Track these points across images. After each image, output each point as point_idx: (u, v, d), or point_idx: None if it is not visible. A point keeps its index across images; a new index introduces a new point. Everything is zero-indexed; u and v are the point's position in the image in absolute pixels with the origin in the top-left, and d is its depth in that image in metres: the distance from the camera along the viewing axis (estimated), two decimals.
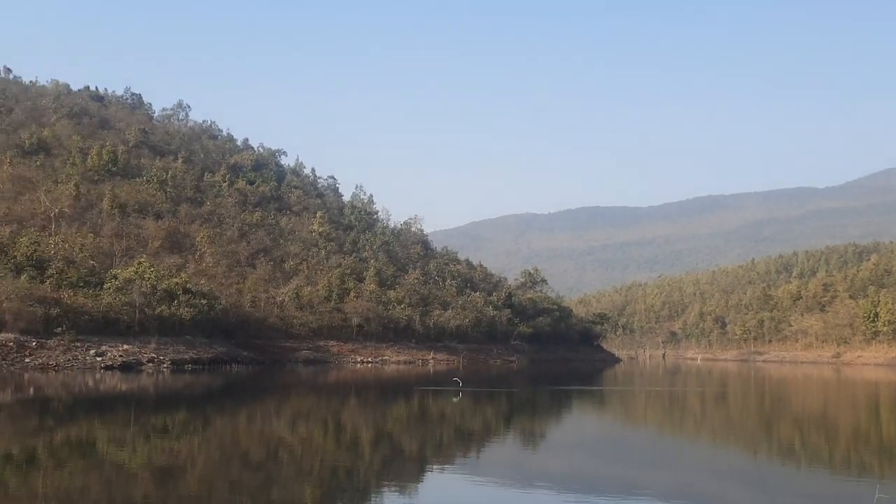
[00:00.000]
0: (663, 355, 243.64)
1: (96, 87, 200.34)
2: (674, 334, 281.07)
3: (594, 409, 49.29)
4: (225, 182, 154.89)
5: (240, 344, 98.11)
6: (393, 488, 20.23)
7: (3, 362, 67.39)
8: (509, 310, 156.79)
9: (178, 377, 67.43)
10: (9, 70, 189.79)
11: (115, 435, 29.70)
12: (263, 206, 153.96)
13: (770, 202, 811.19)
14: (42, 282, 79.33)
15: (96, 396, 48.13)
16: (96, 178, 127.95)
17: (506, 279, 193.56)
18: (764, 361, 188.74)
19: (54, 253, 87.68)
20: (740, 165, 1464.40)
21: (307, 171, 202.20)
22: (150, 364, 76.61)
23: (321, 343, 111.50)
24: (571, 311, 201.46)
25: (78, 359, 72.45)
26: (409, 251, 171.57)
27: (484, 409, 46.09)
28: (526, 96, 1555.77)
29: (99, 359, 73.51)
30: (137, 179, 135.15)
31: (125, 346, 78.06)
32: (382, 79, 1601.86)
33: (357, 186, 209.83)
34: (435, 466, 24.83)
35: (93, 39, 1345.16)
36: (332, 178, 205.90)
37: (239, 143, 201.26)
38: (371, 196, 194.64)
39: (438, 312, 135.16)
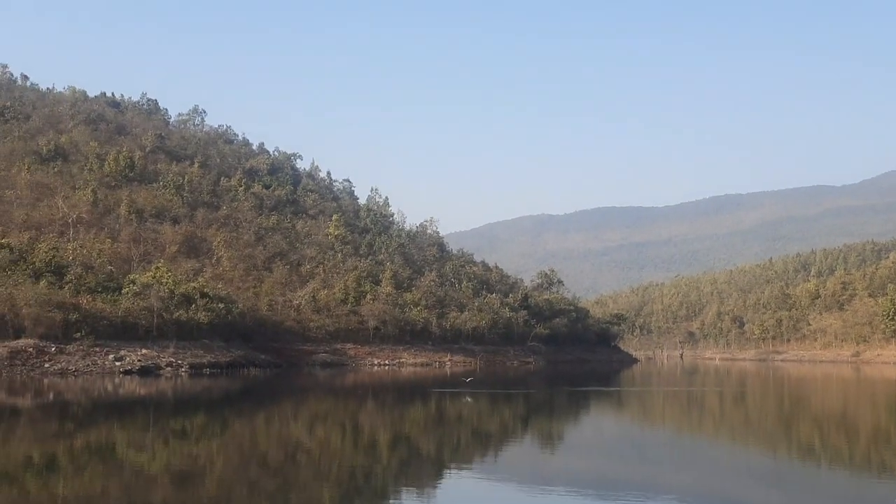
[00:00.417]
0: (681, 355, 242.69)
1: (113, 94, 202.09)
2: (691, 334, 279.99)
3: (612, 409, 49.15)
4: (241, 186, 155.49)
5: (257, 347, 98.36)
6: (411, 491, 20.25)
7: (23, 368, 67.85)
8: (526, 311, 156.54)
9: (196, 381, 67.68)
10: (26, 77, 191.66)
11: (135, 439, 29.85)
12: (279, 210, 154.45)
13: (787, 201, 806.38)
14: (61, 287, 79.77)
15: (115, 401, 48.39)
16: (113, 184, 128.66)
17: (522, 280, 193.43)
18: (782, 361, 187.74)
19: (73, 259, 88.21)
20: (756, 164, 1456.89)
21: (323, 174, 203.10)
22: (169, 368, 76.94)
23: (338, 346, 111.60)
24: (588, 311, 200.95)
25: (97, 364, 72.85)
26: (424, 253, 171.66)
27: (501, 410, 46.04)
28: (540, 97, 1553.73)
29: (118, 363, 73.89)
30: (154, 185, 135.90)
31: (143, 351, 78.43)
32: (398, 81, 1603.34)
33: (373, 189, 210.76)
34: (453, 468, 24.82)
35: (108, 46, 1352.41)
36: (348, 181, 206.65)
37: (255, 147, 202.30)
38: (387, 198, 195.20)
39: (455, 314, 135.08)
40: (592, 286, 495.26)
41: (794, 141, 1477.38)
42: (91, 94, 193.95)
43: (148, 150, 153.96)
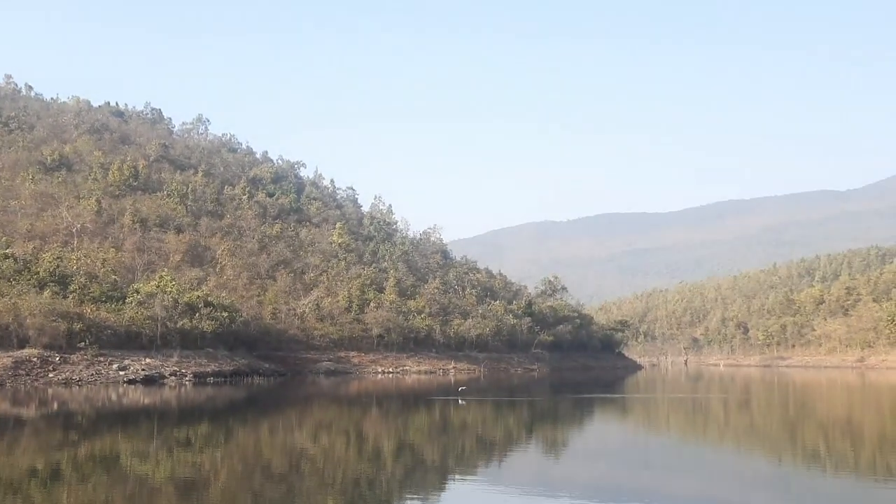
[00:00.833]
0: (685, 362, 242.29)
1: (117, 103, 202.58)
2: (696, 340, 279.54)
3: (617, 416, 49.07)
4: (245, 195, 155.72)
5: (261, 356, 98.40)
6: (415, 499, 20.23)
7: (27, 378, 67.87)
8: (530, 318, 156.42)
9: (200, 390, 67.67)
10: (30, 87, 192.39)
11: (139, 448, 29.84)
12: (283, 219, 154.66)
13: (791, 206, 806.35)
14: (65, 297, 79.87)
15: (119, 410, 48.39)
16: (117, 193, 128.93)
17: (526, 287, 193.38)
18: (787, 367, 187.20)
19: (77, 268, 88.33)
20: (760, 169, 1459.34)
21: (326, 182, 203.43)
22: (173, 377, 76.94)
23: (342, 354, 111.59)
24: (592, 318, 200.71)
25: (101, 373, 72.85)
26: (428, 261, 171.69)
27: (506, 417, 45.99)
28: (543, 104, 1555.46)
29: (122, 373, 73.90)
30: (158, 194, 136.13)
31: (147, 360, 78.47)
32: (400, 89, 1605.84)
33: (376, 197, 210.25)
34: (457, 476, 24.78)
35: (113, 55, 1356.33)
36: (352, 188, 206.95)
37: (258, 155, 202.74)
38: (390, 206, 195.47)
39: (459, 322, 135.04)
40: (596, 293, 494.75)
41: (797, 146, 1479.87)
42: (95, 103, 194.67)
43: (152, 159, 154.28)
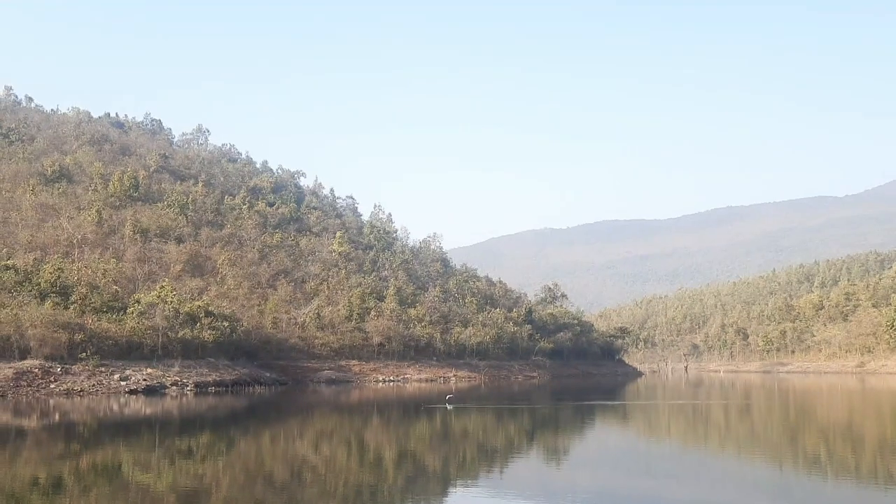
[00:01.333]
0: (686, 368, 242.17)
1: (116, 114, 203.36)
2: (696, 347, 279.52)
3: (618, 423, 49.12)
4: (245, 204, 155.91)
5: (262, 365, 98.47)
6: None
7: (29, 389, 67.88)
8: (530, 325, 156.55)
9: (201, 400, 67.72)
10: (30, 98, 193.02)
11: (141, 458, 29.92)
12: (283, 228, 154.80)
13: (789, 212, 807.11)
14: (66, 308, 79.95)
15: (121, 421, 48.45)
16: (118, 204, 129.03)
17: (525, 295, 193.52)
18: (787, 372, 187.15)
19: (78, 279, 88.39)
20: (758, 175, 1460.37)
21: (326, 191, 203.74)
22: (174, 387, 76.95)
23: (343, 363, 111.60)
24: (592, 325, 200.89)
25: (102, 384, 72.87)
26: (428, 269, 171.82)
27: (507, 425, 46.05)
28: (541, 111, 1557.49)
29: (123, 383, 73.92)
30: (159, 204, 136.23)
31: (149, 370, 78.49)
32: (399, 96, 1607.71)
33: (376, 206, 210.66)
34: (459, 484, 24.87)
35: (113, 66, 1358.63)
36: (351, 197, 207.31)
37: (258, 165, 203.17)
38: (390, 215, 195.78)
39: (459, 330, 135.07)
40: (596, 299, 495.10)
41: (795, 151, 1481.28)
42: (95, 114, 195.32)
43: (152, 169, 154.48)
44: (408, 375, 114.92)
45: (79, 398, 65.79)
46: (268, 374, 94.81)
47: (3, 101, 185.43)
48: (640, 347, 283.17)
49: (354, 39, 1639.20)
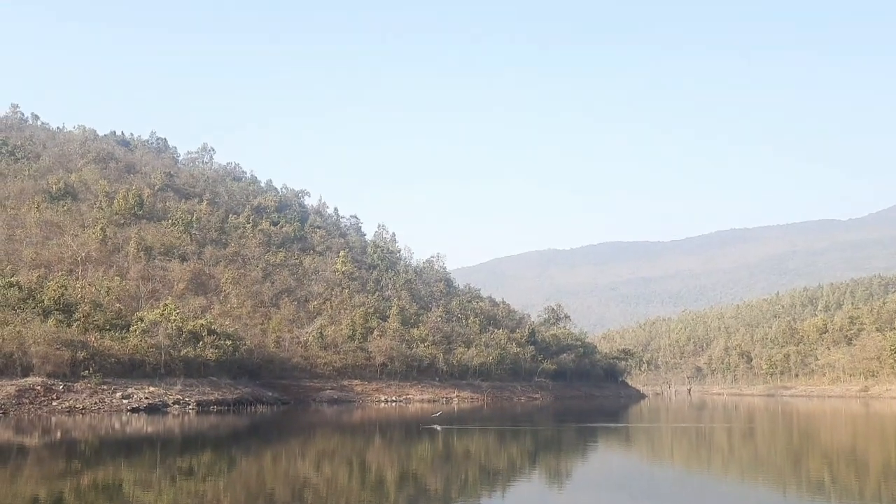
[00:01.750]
0: (689, 391, 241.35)
1: (122, 132, 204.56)
2: (699, 369, 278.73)
3: (620, 446, 48.95)
4: (249, 223, 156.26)
5: (264, 384, 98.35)
6: None
7: (31, 406, 67.83)
8: (533, 346, 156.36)
9: (203, 418, 67.61)
10: (36, 116, 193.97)
11: (141, 477, 29.86)
12: (287, 247, 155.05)
13: (793, 235, 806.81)
14: (69, 325, 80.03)
15: (122, 439, 48.38)
16: (122, 222, 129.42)
17: (529, 316, 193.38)
18: (791, 396, 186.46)
19: (81, 296, 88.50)
20: (763, 198, 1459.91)
21: (330, 210, 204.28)
22: (176, 406, 76.86)
23: (345, 382, 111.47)
24: (595, 347, 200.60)
25: (104, 401, 72.83)
26: (431, 289, 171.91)
27: (509, 446, 45.92)
28: (546, 130, 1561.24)
29: (125, 401, 73.86)
30: (163, 222, 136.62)
31: (151, 388, 78.44)
32: (404, 117, 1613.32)
33: (379, 225, 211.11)
34: None
35: (119, 84, 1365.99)
36: (355, 217, 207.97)
37: (262, 184, 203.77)
38: (393, 234, 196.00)
39: (462, 350, 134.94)
40: (599, 321, 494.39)
41: (800, 175, 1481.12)
42: (101, 132, 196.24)
43: (157, 188, 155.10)
44: (410, 396, 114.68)
45: (80, 416, 65.73)
46: (270, 394, 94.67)
47: (9, 119, 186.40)
48: (643, 369, 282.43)
49: (358, 60, 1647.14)
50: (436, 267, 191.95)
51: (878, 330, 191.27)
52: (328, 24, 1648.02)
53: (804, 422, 76.69)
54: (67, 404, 69.77)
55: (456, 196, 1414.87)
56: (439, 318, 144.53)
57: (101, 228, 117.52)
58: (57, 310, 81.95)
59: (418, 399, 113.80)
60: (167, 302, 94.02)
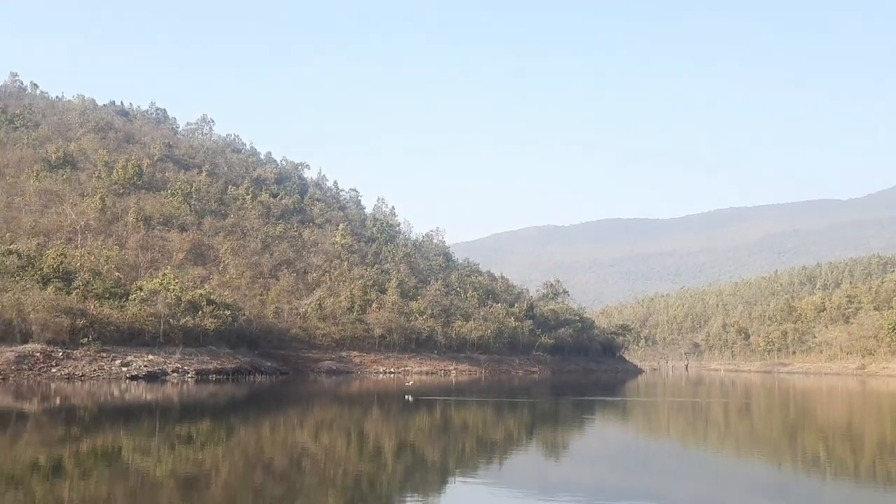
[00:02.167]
0: (686, 367, 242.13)
1: (122, 102, 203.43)
2: (696, 346, 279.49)
3: (617, 419, 49.15)
4: (248, 195, 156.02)
5: (263, 354, 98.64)
6: (415, 498, 20.32)
7: (30, 372, 68.08)
8: (531, 321, 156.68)
9: (202, 387, 67.86)
10: (35, 85, 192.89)
11: (141, 444, 29.98)
12: (286, 219, 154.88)
13: (793, 214, 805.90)
14: (68, 293, 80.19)
15: (122, 406, 48.56)
16: (122, 192, 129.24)
17: (527, 291, 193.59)
18: (788, 373, 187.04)
19: (80, 265, 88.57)
20: (762, 177, 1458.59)
21: (329, 183, 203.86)
22: (175, 374, 77.12)
23: (344, 354, 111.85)
24: (593, 322, 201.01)
25: (104, 369, 73.09)
26: (430, 263, 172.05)
27: (506, 419, 46.09)
28: (547, 108, 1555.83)
29: (124, 369, 74.12)
30: (162, 192, 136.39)
31: (150, 357, 78.68)
32: (403, 90, 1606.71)
33: (379, 199, 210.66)
34: (458, 476, 24.89)
35: (118, 54, 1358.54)
36: (355, 190, 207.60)
37: (262, 156, 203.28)
38: (393, 208, 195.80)
39: (460, 324, 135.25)
40: (598, 297, 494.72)
41: (800, 154, 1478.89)
42: (100, 102, 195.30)
43: (156, 158, 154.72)
44: (408, 368, 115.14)
45: (80, 383, 65.98)
46: (269, 364, 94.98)
47: (9, 88, 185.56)
48: (641, 345, 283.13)
49: (360, 32, 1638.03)
50: (435, 241, 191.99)
51: (875, 308, 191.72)
52: None
53: (800, 398, 76.97)
54: (67, 371, 70.04)
55: (456, 171, 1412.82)
56: (438, 292, 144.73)
57: (101, 198, 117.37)
58: (56, 278, 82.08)
59: (417, 371, 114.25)
60: (166, 271, 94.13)
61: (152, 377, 74.06)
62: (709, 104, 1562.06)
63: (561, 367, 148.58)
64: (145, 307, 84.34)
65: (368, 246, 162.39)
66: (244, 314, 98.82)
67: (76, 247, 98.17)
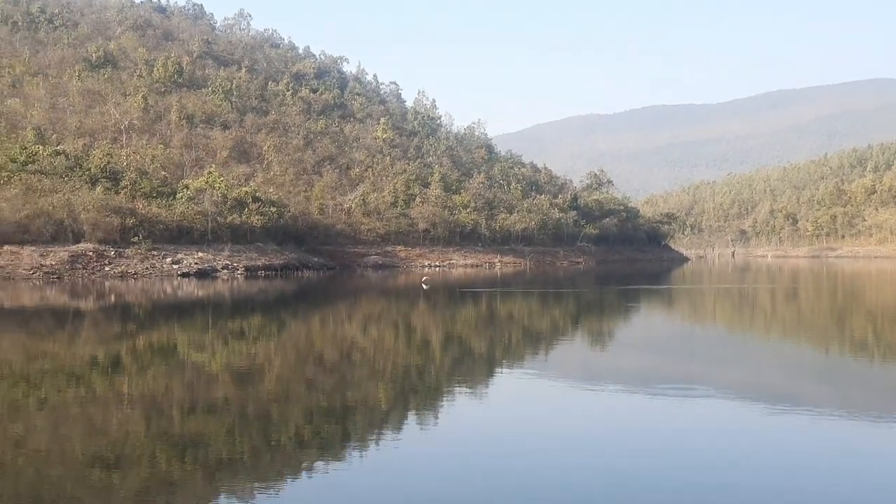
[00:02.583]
0: (733, 253, 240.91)
1: None
2: (743, 232, 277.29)
3: (662, 307, 49.23)
4: (288, 91, 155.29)
5: (309, 250, 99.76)
6: (463, 388, 20.67)
7: (84, 271, 69.72)
8: (575, 212, 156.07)
9: (251, 283, 69.04)
10: None
11: (195, 339, 30.71)
12: (327, 114, 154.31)
13: (843, 95, 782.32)
14: (116, 193, 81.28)
15: (175, 302, 49.61)
16: (163, 90, 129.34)
17: (571, 181, 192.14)
18: (837, 257, 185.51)
19: (127, 164, 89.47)
20: (811, 58, 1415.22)
21: (369, 77, 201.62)
22: (225, 271, 78.45)
23: (389, 248, 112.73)
24: (638, 211, 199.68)
25: (155, 267, 74.58)
26: (473, 156, 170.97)
27: (551, 309, 46.40)
28: None
29: (175, 266, 75.55)
30: (203, 90, 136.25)
31: (200, 254, 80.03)
32: None
33: (419, 91, 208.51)
34: (504, 366, 25.25)
35: None
36: (395, 83, 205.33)
37: (300, 51, 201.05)
38: (434, 101, 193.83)
39: (504, 216, 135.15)
40: (643, 186, 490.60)
41: (850, 32, 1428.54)
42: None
43: (195, 55, 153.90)
44: (453, 261, 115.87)
45: (132, 281, 67.45)
46: (315, 259, 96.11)
47: None
48: (686, 233, 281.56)
49: None
50: (477, 133, 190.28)
51: None
52: None
53: (849, 281, 76.39)
54: (119, 269, 71.57)
55: (496, 61, 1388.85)
56: (481, 185, 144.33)
57: (143, 97, 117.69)
58: (104, 178, 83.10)
59: (461, 264, 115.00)
60: (211, 170, 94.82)
61: (203, 274, 75.47)
62: None
63: (606, 258, 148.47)
64: (192, 205, 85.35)
65: (410, 140, 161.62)
66: (290, 211, 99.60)
67: (121, 146, 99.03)
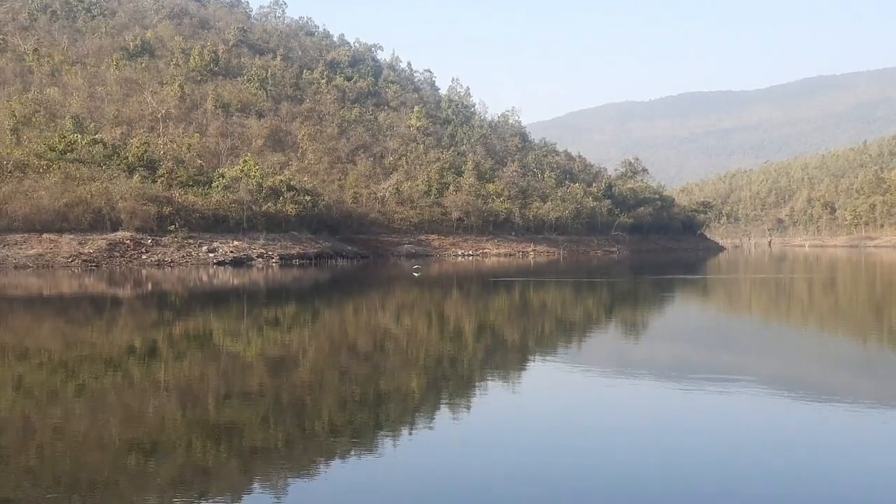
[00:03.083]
0: (769, 243, 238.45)
1: None
2: (780, 221, 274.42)
3: (697, 297, 48.86)
4: (323, 79, 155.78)
5: (343, 239, 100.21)
6: (496, 377, 20.69)
7: (122, 259, 70.57)
8: (609, 200, 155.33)
9: (286, 271, 69.51)
10: None
11: (230, 327, 30.99)
12: (361, 102, 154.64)
13: (883, 81, 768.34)
14: (153, 181, 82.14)
15: (210, 291, 50.07)
16: (199, 79, 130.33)
17: (605, 170, 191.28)
18: (875, 247, 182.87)
19: (163, 153, 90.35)
20: (851, 43, 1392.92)
21: (403, 65, 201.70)
22: (260, 259, 79.05)
23: (422, 237, 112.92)
24: (673, 200, 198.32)
25: (191, 255, 75.32)
26: (506, 144, 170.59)
27: (585, 299, 46.26)
28: None
29: (211, 255, 76.25)
30: (238, 79, 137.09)
31: (235, 243, 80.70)
32: None
33: (453, 79, 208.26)
34: (537, 356, 25.23)
35: None
36: (429, 71, 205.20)
37: (335, 38, 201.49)
38: (468, 89, 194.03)
39: (538, 205, 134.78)
40: (678, 174, 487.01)
41: (891, 17, 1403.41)
42: None
43: (231, 43, 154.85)
44: (486, 250, 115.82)
45: (169, 269, 68.18)
46: (349, 248, 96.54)
47: None
48: (722, 222, 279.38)
49: None
50: (510, 121, 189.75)
51: None
52: None
53: (888, 272, 75.32)
54: (156, 257, 72.37)
55: (532, 49, 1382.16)
56: (515, 173, 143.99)
57: (179, 85, 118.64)
58: (141, 166, 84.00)
59: (495, 253, 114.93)
60: (246, 158, 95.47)
61: (238, 262, 76.11)
62: None
63: (640, 247, 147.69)
64: (228, 194, 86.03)
65: (444, 128, 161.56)
66: (324, 199, 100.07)
67: (158, 135, 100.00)
